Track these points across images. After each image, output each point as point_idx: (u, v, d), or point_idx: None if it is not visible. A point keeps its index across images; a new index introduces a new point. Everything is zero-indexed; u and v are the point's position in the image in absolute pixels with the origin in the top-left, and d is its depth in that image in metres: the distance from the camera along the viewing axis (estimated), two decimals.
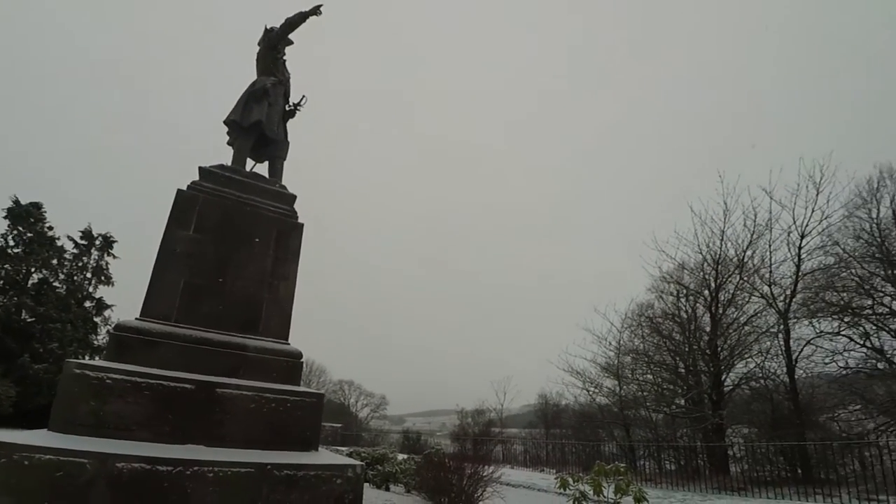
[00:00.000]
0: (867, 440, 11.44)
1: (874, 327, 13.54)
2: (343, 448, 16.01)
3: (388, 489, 8.75)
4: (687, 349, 15.92)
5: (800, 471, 11.65)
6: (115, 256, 21.85)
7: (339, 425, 32.09)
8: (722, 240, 15.33)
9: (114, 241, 21.82)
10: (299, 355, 5.71)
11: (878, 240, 13.55)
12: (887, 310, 13.38)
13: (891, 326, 13.36)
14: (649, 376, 17.26)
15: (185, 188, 5.71)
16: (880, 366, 13.28)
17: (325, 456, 5.33)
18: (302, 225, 6.26)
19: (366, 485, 5.64)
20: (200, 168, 6.02)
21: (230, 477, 3.96)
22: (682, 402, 15.77)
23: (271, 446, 4.72)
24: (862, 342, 13.66)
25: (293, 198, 6.44)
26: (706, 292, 15.68)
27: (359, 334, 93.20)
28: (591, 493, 6.53)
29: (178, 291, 5.27)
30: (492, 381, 36.86)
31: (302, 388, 5.47)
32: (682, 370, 16.17)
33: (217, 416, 4.63)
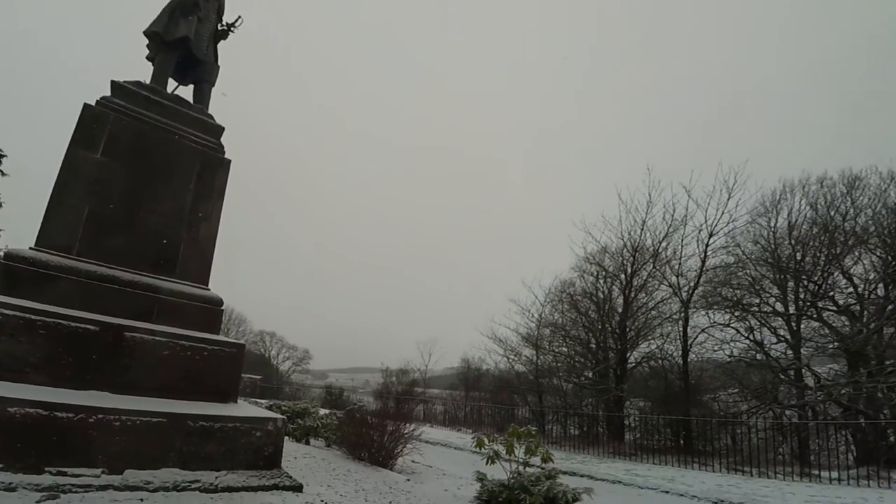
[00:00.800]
0: (740, 420, 13.09)
1: (758, 323, 15.23)
2: (262, 401, 15.68)
3: (308, 443, 8.70)
4: (600, 327, 17.08)
5: (682, 442, 13.18)
6: (3, 173, 19.10)
7: (259, 377, 31.34)
8: (642, 229, 16.48)
9: (2, 156, 19.03)
10: (220, 302, 5.37)
11: (772, 246, 15.07)
12: (771, 309, 15.07)
13: (771, 324, 15.13)
14: (564, 349, 18.42)
15: (93, 104, 4.99)
16: (759, 357, 15.01)
17: (244, 408, 5.15)
18: (229, 161, 5.70)
19: (286, 438, 5.56)
20: (113, 83, 5.25)
21: (139, 426, 3.70)
22: (591, 374, 17.07)
23: (186, 396, 4.46)
24: (746, 335, 15.30)
25: (221, 129, 5.82)
26: (623, 276, 16.79)
27: (284, 285, 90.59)
28: (504, 452, 6.89)
29: (80, 221, 4.69)
30: (418, 342, 37.72)
31: (221, 338, 5.19)
32: (594, 346, 17.39)
33: (125, 362, 4.27)
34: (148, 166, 5.12)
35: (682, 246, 16.12)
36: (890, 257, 13.53)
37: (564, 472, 9.00)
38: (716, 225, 15.45)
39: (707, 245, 15.56)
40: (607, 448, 12.85)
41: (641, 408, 15.90)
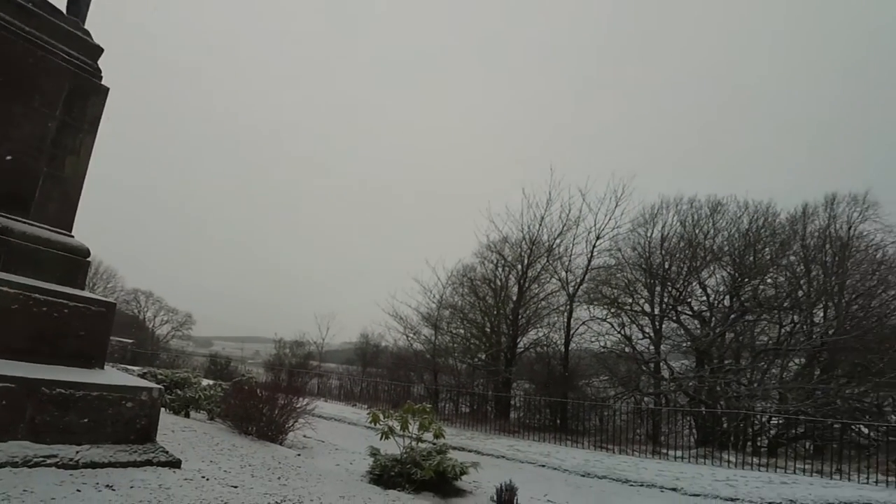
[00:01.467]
0: (607, 404, 14.66)
1: (629, 320, 17.16)
2: (135, 368, 14.12)
3: (188, 416, 7.99)
4: (495, 312, 17.93)
5: (559, 421, 14.48)
6: None
7: (131, 342, 28.20)
8: (540, 225, 17.49)
9: None
10: (85, 252, 4.62)
11: (647, 254, 16.98)
12: (640, 309, 17.04)
13: (640, 322, 17.13)
14: (461, 331, 19.09)
15: None
16: (627, 350, 16.99)
17: (113, 375, 4.55)
18: (107, 89, 4.82)
19: (162, 410, 5.02)
20: None
21: None
22: (484, 356, 17.92)
23: (42, 360, 3.80)
24: (619, 330, 17.22)
25: (99, 50, 4.88)
26: (519, 267, 17.74)
27: (166, 242, 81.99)
28: (399, 428, 6.96)
29: None
30: (316, 314, 36.26)
31: (86, 293, 4.49)
32: (489, 330, 18.26)
33: None
34: (2, 82, 4.18)
35: (573, 244, 17.47)
36: (737, 274, 15.89)
37: (454, 448, 9.39)
38: (603, 229, 16.96)
39: (594, 246, 17.05)
40: (494, 426, 13.65)
41: (526, 389, 17.10)
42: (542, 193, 18.23)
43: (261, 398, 7.26)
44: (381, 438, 6.88)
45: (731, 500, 7.46)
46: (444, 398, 17.31)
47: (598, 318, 17.38)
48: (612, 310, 17.25)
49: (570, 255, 17.50)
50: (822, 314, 15.42)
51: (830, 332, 14.47)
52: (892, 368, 12.71)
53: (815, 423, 12.23)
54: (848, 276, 14.92)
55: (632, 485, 8.08)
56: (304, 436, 8.05)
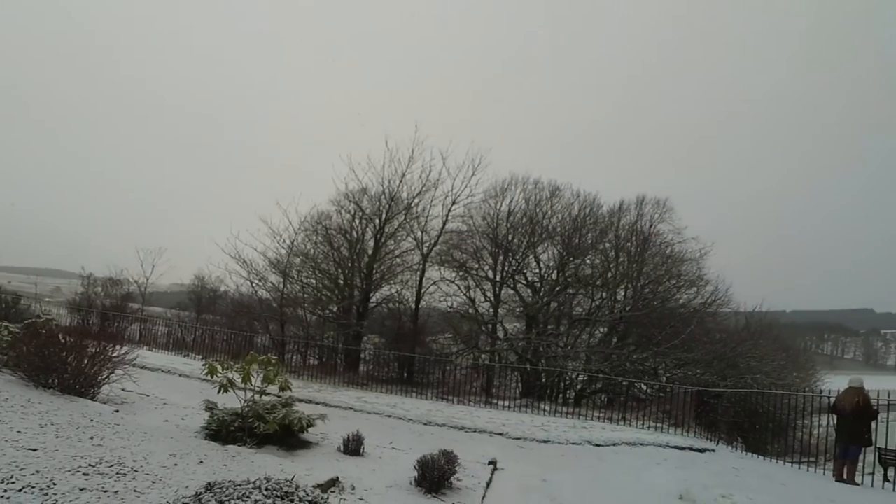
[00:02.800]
0: (450, 359, 15.78)
1: (474, 284, 18.48)
2: None
3: None
4: (350, 265, 17.52)
5: (406, 375, 15.13)
6: None
7: None
8: (401, 181, 17.12)
9: None
10: None
11: (494, 225, 18.25)
12: (484, 275, 18.46)
13: (483, 286, 18.57)
14: (313, 281, 18.29)
15: None
16: (470, 311, 18.40)
17: None
18: None
19: None
20: None
21: None
22: (336, 308, 17.58)
23: None
24: (465, 292, 18.48)
25: None
26: (377, 221, 17.36)
27: None
28: (240, 380, 6.48)
29: None
30: (139, 249, 30.06)
31: None
32: (342, 282, 17.84)
33: None
34: None
35: (430, 206, 17.58)
36: (565, 253, 18.10)
37: (302, 401, 9.15)
38: (459, 195, 17.24)
39: (449, 210, 17.35)
40: (343, 378, 13.66)
41: (377, 343, 17.38)
42: (406, 150, 17.94)
43: (64, 345, 6.03)
44: (219, 392, 6.33)
45: (545, 441, 8.76)
46: (292, 350, 16.58)
47: (447, 280, 18.31)
48: (461, 273, 18.35)
49: (427, 217, 17.70)
50: (623, 293, 18.53)
51: (627, 308, 17.55)
52: (668, 340, 16.01)
53: (610, 381, 15.00)
54: (645, 264, 18.19)
55: (467, 431, 8.91)
56: (124, 389, 7.00)
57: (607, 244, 18.84)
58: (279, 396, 6.91)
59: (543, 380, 16.01)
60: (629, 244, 18.63)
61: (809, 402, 11.01)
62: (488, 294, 18.56)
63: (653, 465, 7.87)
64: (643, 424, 11.08)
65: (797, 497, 6.37)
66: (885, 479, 8.51)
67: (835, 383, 12.40)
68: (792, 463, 9.38)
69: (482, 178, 17.67)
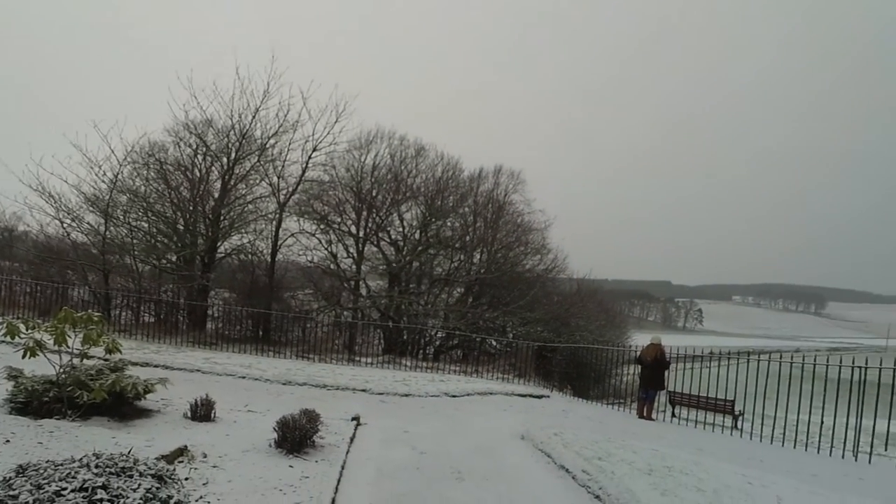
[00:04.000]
0: (310, 316, 15.17)
1: (336, 238, 17.92)
2: None
3: None
4: (191, 208, 15.35)
5: (261, 332, 14.09)
6: None
7: None
8: (254, 118, 15.07)
9: None
10: None
11: (358, 178, 17.82)
12: (347, 230, 17.97)
13: (345, 242, 18.11)
14: (144, 224, 15.60)
15: None
16: (332, 266, 17.86)
17: None
18: None
19: None
20: None
21: None
22: (175, 258, 15.41)
23: None
24: (326, 247, 17.81)
25: None
26: (226, 160, 15.26)
27: None
28: (53, 342, 5.34)
29: None
30: None
31: None
32: (182, 227, 15.58)
33: None
34: None
35: (288, 150, 15.96)
36: (427, 214, 18.55)
37: (136, 364, 7.99)
38: (321, 141, 15.74)
39: (310, 157, 15.89)
40: (188, 337, 12.18)
41: (227, 299, 15.84)
42: (261, 82, 15.94)
43: None
44: (24, 357, 5.11)
45: (406, 395, 9.09)
46: (121, 305, 14.06)
47: (307, 233, 17.33)
48: (322, 226, 17.55)
49: (285, 161, 16.11)
50: (479, 257, 19.82)
51: (482, 271, 18.85)
52: (515, 301, 17.75)
53: (466, 337, 16.09)
54: (499, 231, 19.65)
55: (329, 389, 8.76)
56: None
57: (467, 209, 19.80)
58: (106, 360, 5.90)
59: (405, 336, 16.50)
60: (486, 210, 19.82)
61: (621, 355, 13.35)
62: (351, 250, 18.18)
63: (500, 411, 8.73)
64: (493, 376, 12.23)
65: (610, 431, 7.67)
66: (673, 414, 10.86)
67: (640, 340, 15.16)
68: (607, 404, 11.34)
69: (347, 127, 16.48)
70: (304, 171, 16.01)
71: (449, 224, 19.49)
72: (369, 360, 12.76)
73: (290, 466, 4.44)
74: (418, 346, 17.36)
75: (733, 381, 9.04)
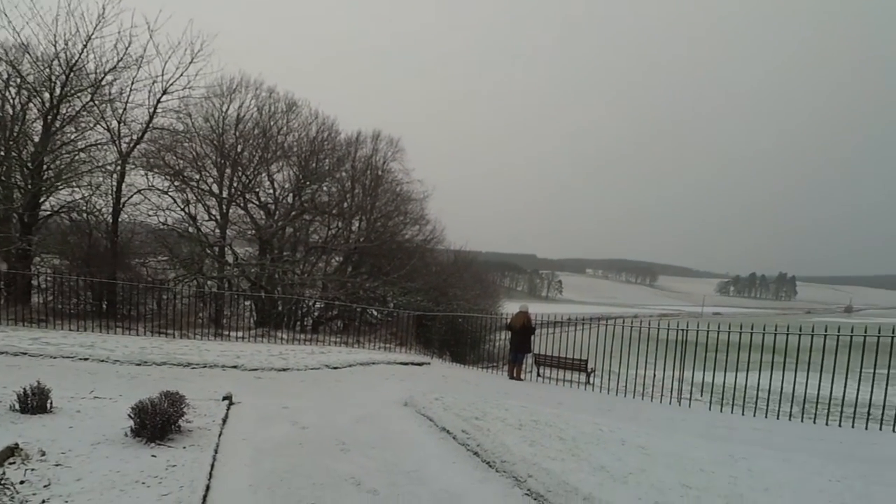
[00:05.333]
0: (167, 286, 13.51)
1: (195, 198, 15.96)
2: None
3: None
4: (3, 153, 12.47)
5: (106, 306, 12.10)
6: None
7: None
8: (86, 47, 12.46)
9: None
10: None
11: (220, 130, 15.95)
12: (208, 189, 16.12)
13: (206, 202, 16.24)
14: None
15: None
16: (191, 230, 15.95)
17: None
18: None
19: None
20: None
21: None
22: None
23: None
24: (183, 207, 15.72)
25: None
26: (48, 96, 12.56)
27: None
28: None
29: None
30: None
31: None
32: None
33: None
34: None
35: (131, 90, 13.56)
36: (301, 176, 17.51)
37: None
38: (172, 83, 13.68)
39: (159, 101, 13.74)
40: (6, 314, 9.97)
41: (57, 266, 13.26)
42: (94, 4, 13.26)
43: None
44: None
45: (284, 369, 8.69)
46: None
47: (158, 189, 15.07)
48: (177, 183, 15.45)
49: (127, 103, 13.66)
50: (357, 225, 19.50)
51: (361, 239, 18.57)
52: (395, 271, 17.89)
53: (346, 307, 15.80)
54: (378, 199, 19.48)
55: (195, 367, 8.00)
56: None
57: (344, 173, 19.14)
58: None
59: (280, 308, 15.64)
60: (364, 177, 19.40)
61: (494, 322, 14.39)
62: (214, 212, 16.40)
63: (383, 380, 8.86)
64: (375, 346, 12.29)
65: (486, 392, 8.30)
66: (539, 374, 12.09)
67: (510, 308, 16.47)
68: (482, 368, 12.19)
69: (205, 70, 14.73)
70: (151, 117, 13.83)
71: (325, 189, 18.66)
72: (240, 334, 11.86)
73: (154, 456, 4.00)
74: (295, 318, 16.62)
75: (587, 343, 10.37)
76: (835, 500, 3.78)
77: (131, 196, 14.35)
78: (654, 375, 9.03)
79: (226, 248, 16.80)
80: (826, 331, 7.66)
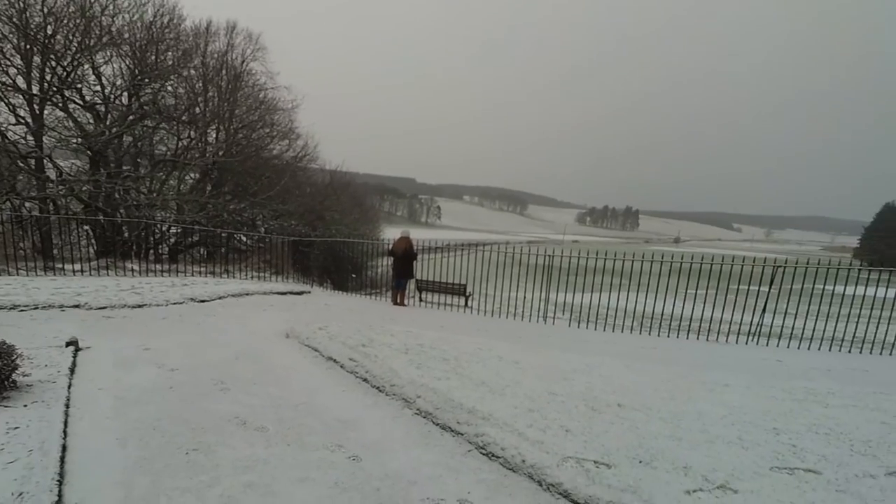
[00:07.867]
0: None
1: None
2: None
3: None
4: None
5: None
6: None
7: None
8: None
9: None
10: None
11: (20, 6, 12.24)
12: (11, 82, 12.59)
13: (11, 101, 12.76)
14: None
15: None
16: None
17: None
18: None
19: None
20: None
21: None
22: None
23: None
24: None
25: None
26: None
27: None
28: None
29: None
30: None
31: None
32: None
33: None
34: None
35: None
36: (137, 71, 14.39)
37: None
38: None
39: None
40: None
41: None
42: None
43: None
44: None
45: (140, 306, 7.73)
46: None
47: None
48: None
49: None
50: (215, 135, 17.02)
51: (220, 153, 16.31)
52: (264, 192, 16.32)
53: (208, 232, 14.22)
54: (237, 105, 17.08)
55: (23, 310, 6.70)
56: None
57: (193, 71, 16.25)
58: None
59: (126, 234, 13.52)
60: (219, 78, 16.81)
61: (375, 248, 14.30)
62: (21, 113, 13.01)
63: (260, 311, 8.43)
64: (247, 275, 11.47)
65: (370, 319, 8.42)
66: (421, 299, 12.48)
67: (391, 234, 16.46)
68: (366, 295, 12.23)
69: None
70: None
71: (171, 89, 15.71)
72: (78, 266, 10.09)
73: None
74: (147, 246, 14.56)
75: (465, 268, 10.98)
76: (665, 396, 4.72)
77: None
78: (524, 297, 10.08)
79: (45, 161, 13.66)
80: (662, 259, 9.15)
